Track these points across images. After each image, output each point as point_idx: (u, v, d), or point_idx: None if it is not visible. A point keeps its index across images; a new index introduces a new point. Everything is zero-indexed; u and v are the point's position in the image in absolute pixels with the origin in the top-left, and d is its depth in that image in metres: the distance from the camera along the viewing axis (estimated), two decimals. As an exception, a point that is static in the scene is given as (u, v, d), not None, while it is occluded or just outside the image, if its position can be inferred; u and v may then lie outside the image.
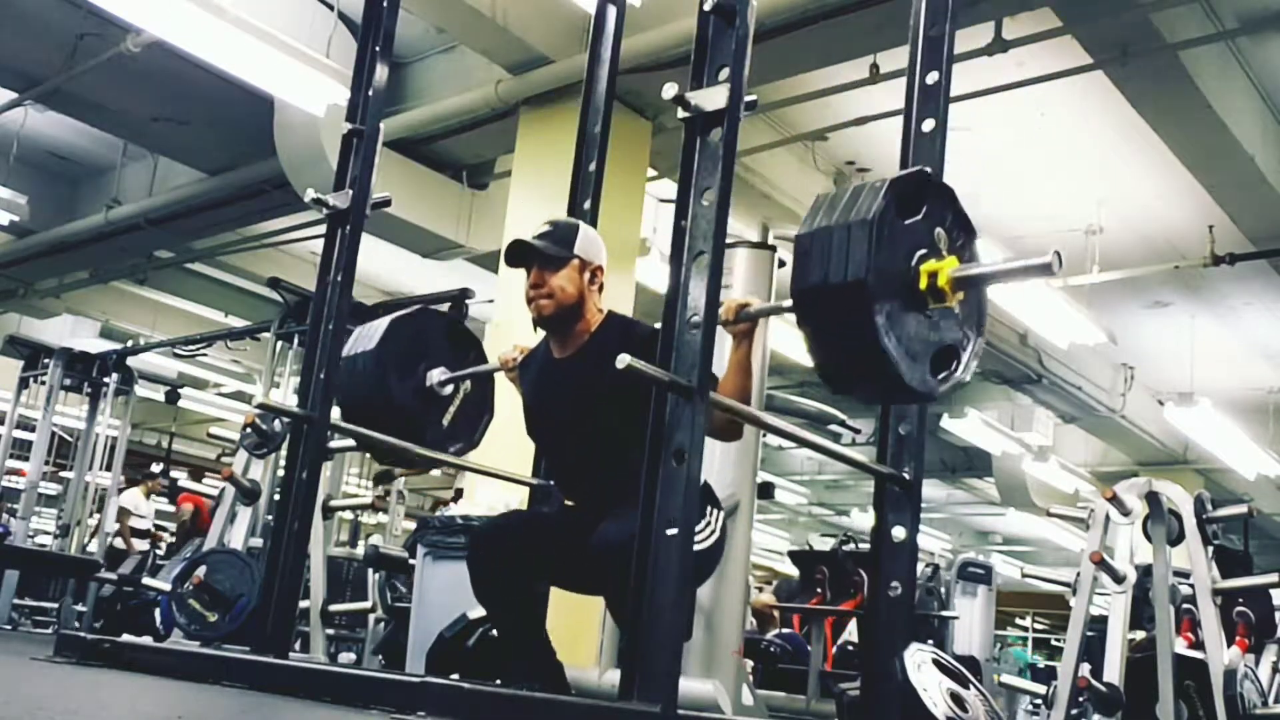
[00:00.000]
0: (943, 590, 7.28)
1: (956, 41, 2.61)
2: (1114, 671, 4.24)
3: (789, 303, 2.18)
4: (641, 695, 2.06)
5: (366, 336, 3.19)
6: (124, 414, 8.50)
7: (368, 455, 5.53)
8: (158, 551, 9.05)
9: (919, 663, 2.42)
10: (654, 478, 2.17)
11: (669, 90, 2.29)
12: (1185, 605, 4.70)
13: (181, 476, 12.98)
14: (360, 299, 5.61)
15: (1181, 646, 4.62)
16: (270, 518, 5.18)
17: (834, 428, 7.91)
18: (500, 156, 7.18)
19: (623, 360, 2.09)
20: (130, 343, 9.48)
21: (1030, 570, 5.68)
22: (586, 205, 3.42)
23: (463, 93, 6.56)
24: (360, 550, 6.35)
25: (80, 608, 7.72)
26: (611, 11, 3.60)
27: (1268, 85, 6.45)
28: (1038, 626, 19.82)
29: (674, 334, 2.25)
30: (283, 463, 4.77)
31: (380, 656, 5.38)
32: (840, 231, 2.06)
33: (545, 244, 2.78)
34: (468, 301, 6.00)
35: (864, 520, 16.48)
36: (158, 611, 6.07)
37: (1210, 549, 4.34)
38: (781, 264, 4.64)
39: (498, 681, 2.77)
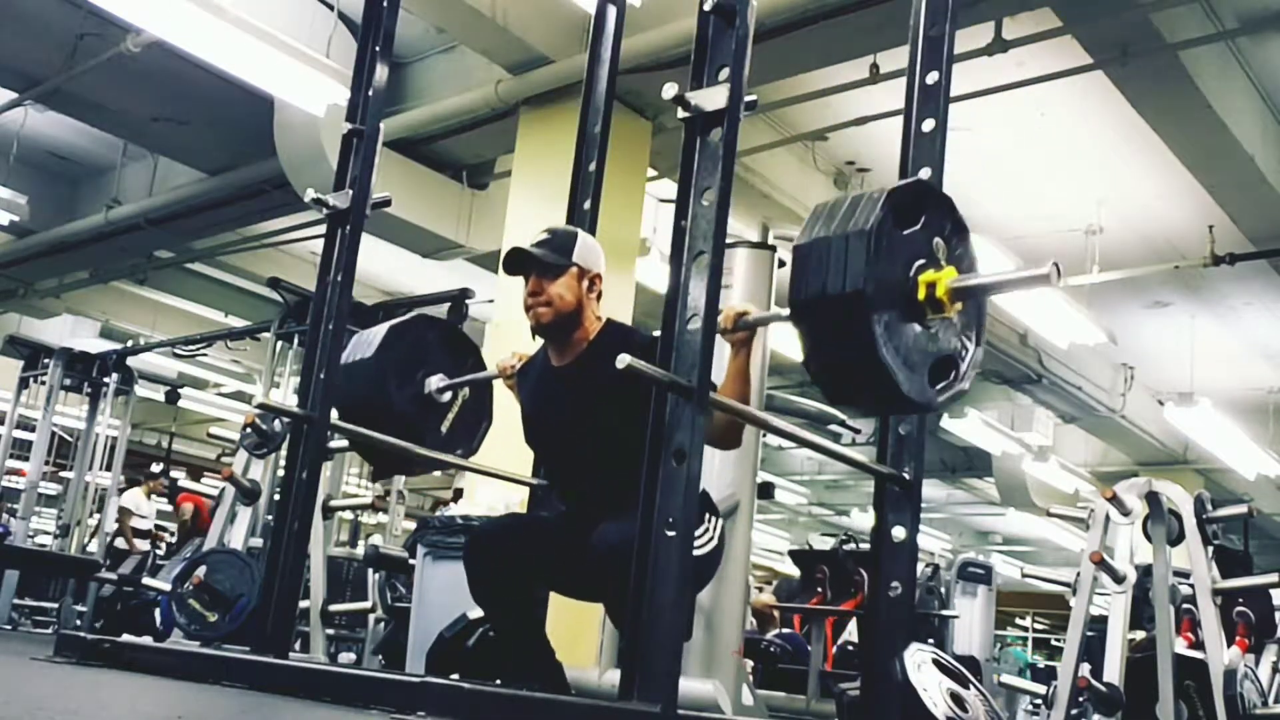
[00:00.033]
0: (943, 590, 7.29)
1: (956, 41, 2.60)
2: (1114, 671, 4.24)
3: (787, 312, 2.18)
4: (641, 695, 2.06)
5: (365, 343, 3.18)
6: (124, 414, 8.50)
7: (368, 455, 5.52)
8: (158, 551, 9.05)
9: (919, 663, 2.43)
10: (654, 478, 2.16)
11: (669, 90, 2.29)
12: (1185, 605, 4.69)
13: (180, 476, 12.97)
14: (360, 299, 5.61)
15: (1181, 646, 4.62)
16: (270, 518, 5.18)
17: (834, 428, 7.91)
18: (500, 156, 7.19)
19: (623, 360, 2.09)
20: (130, 343, 9.49)
21: (1030, 570, 5.69)
22: (586, 205, 3.42)
23: (463, 93, 6.56)
24: (360, 550, 6.35)
25: (80, 608, 7.72)
26: (611, 11, 3.60)
27: (1268, 85, 6.45)
28: (1038, 626, 19.83)
29: (674, 334, 2.25)
30: (283, 463, 4.77)
31: (380, 656, 5.38)
32: (838, 242, 2.06)
33: (544, 252, 2.77)
34: (468, 301, 6.01)
35: (864, 520, 16.48)
36: (158, 611, 6.07)
37: (1210, 549, 4.34)
38: (781, 264, 4.64)
39: (498, 681, 2.77)
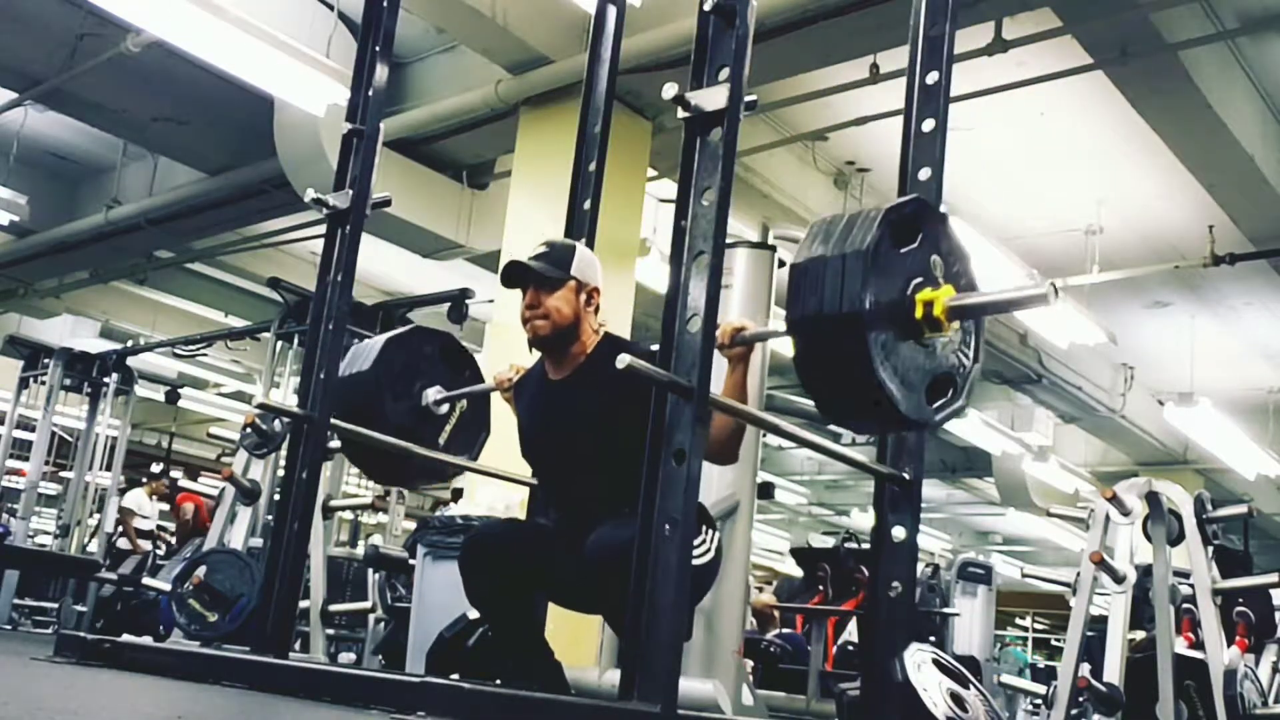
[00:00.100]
0: (943, 590, 7.30)
1: (956, 41, 2.60)
2: (1114, 671, 4.24)
3: (784, 328, 2.18)
4: (641, 695, 2.06)
5: (362, 356, 3.18)
6: (124, 414, 8.51)
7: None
8: (157, 552, 9.05)
9: (919, 663, 2.42)
10: (654, 478, 2.16)
11: (669, 90, 2.29)
12: (1185, 605, 4.69)
13: (179, 476, 12.97)
14: (360, 299, 5.62)
15: (1181, 646, 4.62)
16: (270, 518, 5.19)
17: (834, 428, 7.90)
18: (500, 156, 7.19)
19: (623, 360, 2.09)
20: (130, 343, 9.49)
21: (1030, 570, 5.69)
22: (586, 205, 3.41)
23: (463, 93, 6.56)
24: (360, 550, 6.35)
25: (80, 608, 7.71)
26: (611, 11, 3.59)
27: (1268, 85, 6.45)
28: (1038, 626, 19.83)
29: (674, 334, 2.25)
30: (283, 463, 4.77)
31: (380, 656, 5.38)
32: (835, 262, 2.06)
33: (541, 265, 2.76)
34: (467, 302, 6.01)
35: (864, 520, 16.48)
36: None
37: (1210, 549, 4.35)
38: (781, 264, 4.64)
39: (498, 681, 2.77)
